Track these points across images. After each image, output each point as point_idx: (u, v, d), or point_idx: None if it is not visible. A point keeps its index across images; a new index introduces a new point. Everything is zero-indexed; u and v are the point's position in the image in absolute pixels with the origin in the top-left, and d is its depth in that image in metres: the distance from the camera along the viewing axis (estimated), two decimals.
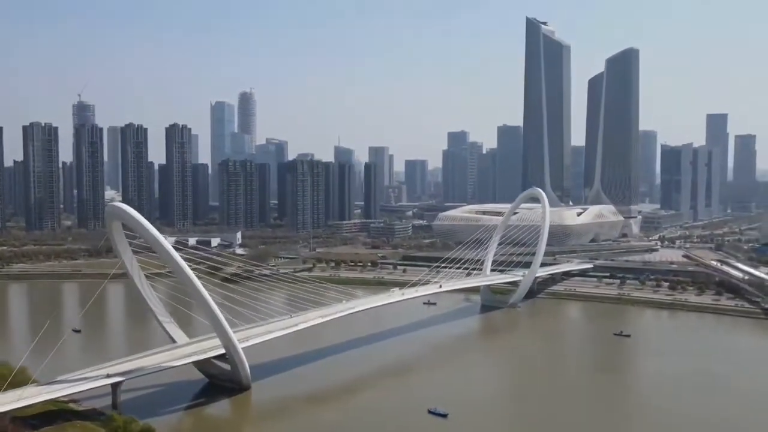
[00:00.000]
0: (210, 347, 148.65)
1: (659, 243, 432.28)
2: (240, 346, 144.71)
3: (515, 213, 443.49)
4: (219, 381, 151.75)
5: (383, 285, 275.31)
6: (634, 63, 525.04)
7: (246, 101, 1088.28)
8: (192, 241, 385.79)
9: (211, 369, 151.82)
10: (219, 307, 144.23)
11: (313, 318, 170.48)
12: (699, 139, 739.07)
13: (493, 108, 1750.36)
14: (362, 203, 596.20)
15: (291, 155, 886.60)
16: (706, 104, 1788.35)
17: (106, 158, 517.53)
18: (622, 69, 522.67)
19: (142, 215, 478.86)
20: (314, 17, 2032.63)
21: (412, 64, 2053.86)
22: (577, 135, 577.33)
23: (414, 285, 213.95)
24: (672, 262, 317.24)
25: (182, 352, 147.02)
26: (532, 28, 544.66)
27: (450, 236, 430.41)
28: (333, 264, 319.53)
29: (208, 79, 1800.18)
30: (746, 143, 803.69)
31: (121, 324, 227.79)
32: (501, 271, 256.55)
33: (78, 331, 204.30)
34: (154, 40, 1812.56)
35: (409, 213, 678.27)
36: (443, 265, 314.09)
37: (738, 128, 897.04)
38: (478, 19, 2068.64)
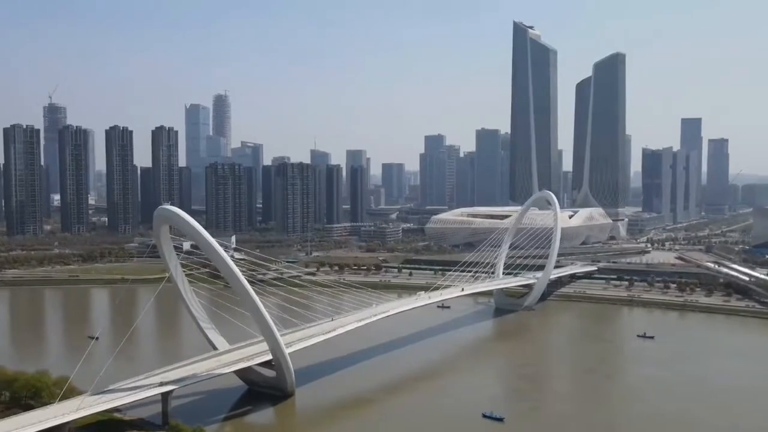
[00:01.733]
0: (254, 353, 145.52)
1: (649, 245, 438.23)
2: (287, 352, 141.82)
3: (508, 216, 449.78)
4: (260, 388, 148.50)
5: (392, 289, 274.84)
6: (620, 68, 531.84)
7: (221, 104, 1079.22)
8: (186, 245, 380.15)
9: (252, 376, 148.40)
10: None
11: (350, 322, 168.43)
12: (673, 143, 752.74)
13: (470, 112, 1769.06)
14: (346, 206, 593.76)
15: (266, 158, 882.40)
16: (680, 108, 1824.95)
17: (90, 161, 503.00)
18: (609, 74, 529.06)
19: (128, 219, 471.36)
20: (290, 20, 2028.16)
21: (389, 67, 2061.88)
22: (564, 138, 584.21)
23: (437, 288, 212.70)
24: (674, 264, 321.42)
25: (227, 358, 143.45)
26: (519, 32, 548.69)
27: (443, 239, 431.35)
28: (336, 268, 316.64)
29: (182, 81, 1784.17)
30: (719, 147, 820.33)
31: (139, 330, 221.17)
32: (507, 275, 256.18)
33: (95, 338, 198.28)
34: (127, 42, 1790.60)
35: (393, 216, 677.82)
36: (452, 268, 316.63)
37: (711, 132, 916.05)
38: (457, 23, 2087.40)
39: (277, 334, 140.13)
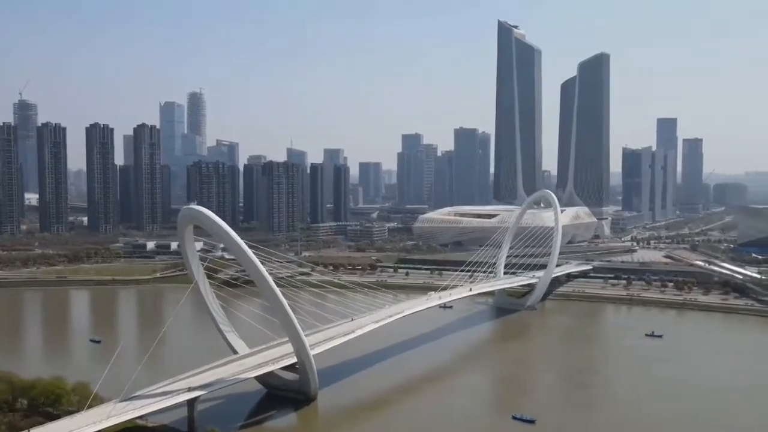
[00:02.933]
0: (277, 356, 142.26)
1: (635, 244, 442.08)
2: (312, 355, 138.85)
3: (496, 216, 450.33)
4: (281, 392, 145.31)
5: (391, 289, 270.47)
6: (605, 68, 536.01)
7: (196, 102, 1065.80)
8: (174, 245, 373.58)
9: (272, 380, 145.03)
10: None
11: (368, 323, 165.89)
12: (649, 143, 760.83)
13: (448, 111, 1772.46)
14: (329, 205, 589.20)
15: (242, 157, 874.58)
16: (656, 108, 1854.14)
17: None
18: (594, 74, 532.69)
19: (109, 219, 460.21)
20: (266, 18, 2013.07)
21: (366, 66, 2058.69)
22: (548, 138, 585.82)
23: (444, 289, 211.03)
24: (667, 263, 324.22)
25: (250, 362, 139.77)
26: (504, 31, 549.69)
27: (431, 238, 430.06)
28: (331, 267, 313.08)
29: (156, 79, 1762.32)
30: (694, 147, 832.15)
31: (140, 333, 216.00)
32: (506, 274, 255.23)
33: (97, 342, 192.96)
34: (99, 39, 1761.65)
35: (374, 215, 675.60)
36: (447, 268, 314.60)
37: (686, 132, 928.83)
38: (435, 22, 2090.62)
39: (303, 336, 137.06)
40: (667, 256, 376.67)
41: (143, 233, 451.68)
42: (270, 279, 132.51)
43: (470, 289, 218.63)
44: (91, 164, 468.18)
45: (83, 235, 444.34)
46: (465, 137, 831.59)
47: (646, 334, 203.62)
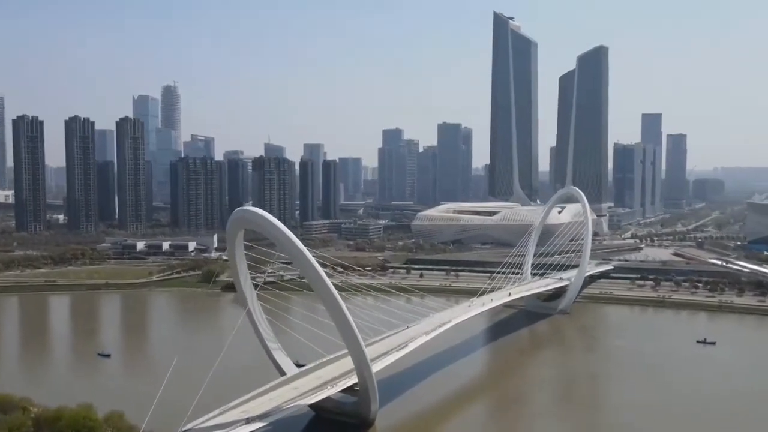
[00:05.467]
0: (334, 377, 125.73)
1: (637, 241, 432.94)
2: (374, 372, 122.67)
3: (497, 213, 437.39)
4: (332, 415, 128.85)
5: (410, 293, 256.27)
6: (603, 61, 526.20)
7: (170, 95, 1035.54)
8: (165, 245, 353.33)
9: (326, 402, 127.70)
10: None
11: (417, 334, 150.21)
12: (634, 139, 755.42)
13: (429, 105, 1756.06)
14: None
15: (218, 153, 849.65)
16: (641, 104, 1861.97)
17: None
18: (593, 67, 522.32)
19: (90, 217, 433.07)
20: (244, 8, 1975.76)
21: (345, 60, 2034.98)
22: (544, 134, 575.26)
23: (483, 293, 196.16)
24: (688, 262, 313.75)
25: (304, 384, 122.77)
26: (500, 23, 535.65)
27: (431, 236, 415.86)
28: (340, 269, 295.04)
29: (128, 72, 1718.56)
30: (678, 142, 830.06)
31: (153, 345, 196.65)
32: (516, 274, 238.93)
33: (107, 356, 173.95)
34: (70, 30, 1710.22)
35: (360, 211, 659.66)
36: (463, 269, 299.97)
37: (670, 128, 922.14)
38: (418, 12, 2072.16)
39: (366, 352, 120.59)
40: (676, 254, 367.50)
41: (127, 232, 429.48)
42: (333, 288, 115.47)
43: (509, 294, 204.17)
44: (71, 160, 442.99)
45: (64, 234, 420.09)
46: (448, 132, 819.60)
47: (698, 341, 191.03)
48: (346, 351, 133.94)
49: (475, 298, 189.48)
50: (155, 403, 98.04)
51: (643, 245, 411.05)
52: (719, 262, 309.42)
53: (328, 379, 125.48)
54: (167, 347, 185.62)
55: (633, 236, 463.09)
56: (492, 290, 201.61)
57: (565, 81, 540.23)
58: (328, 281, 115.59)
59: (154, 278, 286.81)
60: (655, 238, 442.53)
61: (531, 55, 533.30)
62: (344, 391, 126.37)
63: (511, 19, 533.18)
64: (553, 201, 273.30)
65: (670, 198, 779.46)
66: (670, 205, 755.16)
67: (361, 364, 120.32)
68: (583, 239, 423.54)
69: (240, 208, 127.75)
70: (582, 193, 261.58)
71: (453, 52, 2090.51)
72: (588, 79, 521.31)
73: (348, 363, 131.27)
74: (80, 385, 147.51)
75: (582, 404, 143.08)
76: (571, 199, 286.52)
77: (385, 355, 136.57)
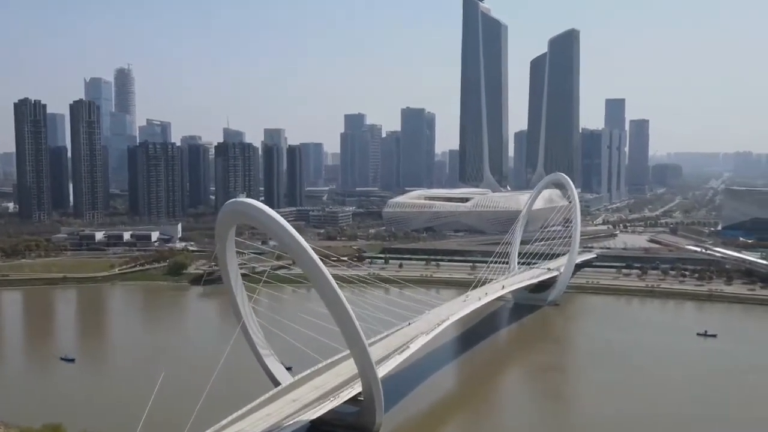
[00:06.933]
0: (334, 386, 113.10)
1: (611, 227, 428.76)
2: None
3: (470, 199, 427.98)
4: (330, 428, 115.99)
5: (392, 283, 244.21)
6: (575, 44, 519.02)
7: (123, 78, 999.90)
8: (126, 235, 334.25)
9: (324, 414, 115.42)
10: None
11: (416, 335, 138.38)
12: (598, 124, 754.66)
13: (392, 90, 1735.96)
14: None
15: (175, 137, 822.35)
16: (604, 89, 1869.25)
17: None
18: (565, 50, 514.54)
19: (43, 206, 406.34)
20: None
21: (307, 42, 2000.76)
22: (515, 118, 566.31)
23: (475, 286, 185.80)
24: (671, 250, 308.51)
25: (303, 396, 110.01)
26: (469, 5, 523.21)
27: (402, 224, 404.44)
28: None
29: (79, 54, 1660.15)
30: (640, 128, 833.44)
31: (123, 347, 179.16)
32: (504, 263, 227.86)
33: (71, 360, 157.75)
34: (15, 10, 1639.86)
35: (324, 198, 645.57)
36: (443, 258, 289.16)
37: (633, 113, 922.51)
38: None
39: (372, 356, 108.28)
40: (652, 241, 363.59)
41: (83, 221, 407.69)
42: (336, 286, 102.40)
43: (503, 287, 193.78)
44: (22, 145, 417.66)
45: (14, 224, 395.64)
46: (412, 117, 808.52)
47: (698, 334, 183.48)
48: (341, 354, 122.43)
49: (469, 291, 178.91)
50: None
51: (617, 232, 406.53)
52: (699, 249, 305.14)
53: (328, 389, 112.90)
54: (138, 350, 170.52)
55: (605, 222, 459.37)
56: (484, 283, 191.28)
57: (537, 64, 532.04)
58: (332, 280, 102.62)
59: (117, 271, 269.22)
60: (628, 225, 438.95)
61: (501, 37, 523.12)
62: (352, 402, 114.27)
63: (481, 1, 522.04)
64: (540, 187, 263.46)
65: (634, 183, 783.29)
66: (634, 191, 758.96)
67: (367, 371, 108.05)
68: (562, 226, 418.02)
69: (233, 199, 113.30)
70: (570, 180, 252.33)
71: (417, 36, 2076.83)
72: (559, 63, 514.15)
73: (346, 368, 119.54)
74: (44, 398, 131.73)
75: (600, 416, 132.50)
76: (558, 186, 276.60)
77: (387, 359, 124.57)
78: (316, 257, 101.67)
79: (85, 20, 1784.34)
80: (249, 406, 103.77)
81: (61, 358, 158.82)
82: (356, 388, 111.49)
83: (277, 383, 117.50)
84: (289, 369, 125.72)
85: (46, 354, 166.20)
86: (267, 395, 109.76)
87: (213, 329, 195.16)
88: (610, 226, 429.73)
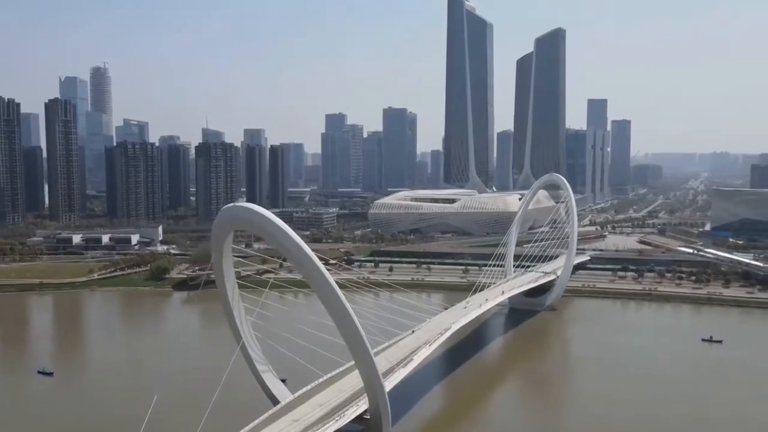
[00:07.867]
0: (340, 403, 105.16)
1: (599, 228, 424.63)
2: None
3: (455, 201, 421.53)
4: None
5: (380, 288, 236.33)
6: (561, 44, 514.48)
7: (99, 77, 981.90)
8: (105, 238, 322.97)
9: None
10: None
11: (418, 345, 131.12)
12: (580, 124, 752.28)
13: (373, 90, 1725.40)
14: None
15: (153, 138, 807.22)
16: (587, 90, 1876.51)
17: None
18: (551, 49, 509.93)
19: (17, 208, 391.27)
20: None
21: (287, 42, 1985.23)
22: (498, 118, 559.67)
23: (474, 291, 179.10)
24: (664, 252, 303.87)
25: (305, 415, 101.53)
26: (455, 4, 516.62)
27: (389, 225, 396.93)
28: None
29: (54, 52, 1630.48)
30: (622, 128, 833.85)
31: (103, 360, 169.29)
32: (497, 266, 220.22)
33: (49, 374, 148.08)
34: None
35: (306, 199, 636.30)
36: (434, 261, 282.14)
37: (615, 114, 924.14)
38: None
39: (380, 372, 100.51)
40: (642, 242, 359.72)
41: (60, 224, 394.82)
42: (343, 297, 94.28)
43: (503, 292, 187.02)
44: None
45: None
46: (394, 117, 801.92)
47: (703, 339, 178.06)
48: (343, 367, 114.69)
49: (469, 297, 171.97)
50: None
51: (606, 233, 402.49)
52: (690, 251, 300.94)
53: (332, 407, 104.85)
54: (122, 362, 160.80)
55: (591, 223, 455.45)
56: (482, 288, 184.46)
57: (523, 64, 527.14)
58: (339, 291, 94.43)
59: (96, 276, 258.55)
60: (616, 225, 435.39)
61: (486, 36, 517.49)
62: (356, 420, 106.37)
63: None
64: (535, 188, 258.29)
65: (616, 184, 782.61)
66: (616, 191, 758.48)
67: (375, 387, 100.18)
68: (550, 227, 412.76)
69: (231, 204, 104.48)
70: (565, 181, 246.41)
71: (399, 35, 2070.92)
72: (546, 62, 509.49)
73: (348, 382, 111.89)
74: (19, 416, 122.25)
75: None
76: (554, 186, 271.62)
77: (391, 372, 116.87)
78: (324, 269, 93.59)
79: (60, 18, 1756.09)
80: (248, 428, 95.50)
81: (38, 372, 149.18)
82: (362, 406, 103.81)
83: (275, 400, 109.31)
84: (283, 381, 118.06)
85: (21, 367, 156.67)
86: (266, 415, 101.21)
87: (201, 339, 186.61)
88: (598, 228, 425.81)
